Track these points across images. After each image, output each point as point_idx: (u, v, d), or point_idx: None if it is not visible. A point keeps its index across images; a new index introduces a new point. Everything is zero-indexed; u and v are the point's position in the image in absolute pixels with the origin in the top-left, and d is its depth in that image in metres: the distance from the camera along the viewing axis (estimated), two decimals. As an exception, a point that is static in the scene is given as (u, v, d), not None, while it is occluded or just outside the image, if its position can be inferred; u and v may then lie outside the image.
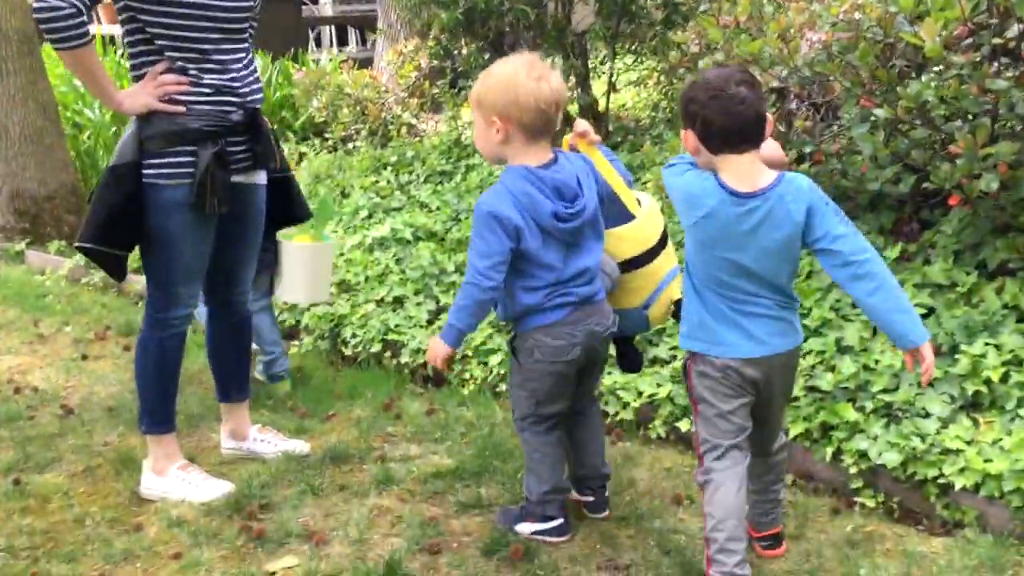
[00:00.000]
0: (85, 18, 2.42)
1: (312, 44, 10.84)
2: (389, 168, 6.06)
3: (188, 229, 2.59)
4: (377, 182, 5.86)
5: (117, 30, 6.97)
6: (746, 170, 2.01)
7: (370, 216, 5.24)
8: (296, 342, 4.15)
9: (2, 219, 5.97)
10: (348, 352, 3.90)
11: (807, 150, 3.46)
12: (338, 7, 10.88)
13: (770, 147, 2.11)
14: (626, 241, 2.37)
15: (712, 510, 2.10)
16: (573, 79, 5.72)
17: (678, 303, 2.30)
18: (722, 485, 2.10)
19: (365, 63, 9.23)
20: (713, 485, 2.11)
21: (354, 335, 3.92)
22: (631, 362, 2.61)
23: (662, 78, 6.28)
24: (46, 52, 6.21)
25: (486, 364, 3.49)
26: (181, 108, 2.53)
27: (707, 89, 1.98)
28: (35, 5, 2.37)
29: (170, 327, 2.70)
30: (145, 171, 2.53)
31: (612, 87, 6.01)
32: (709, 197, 2.01)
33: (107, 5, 2.55)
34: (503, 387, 3.37)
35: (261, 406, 3.42)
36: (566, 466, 2.52)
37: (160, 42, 2.52)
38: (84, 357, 4.07)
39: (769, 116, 2.04)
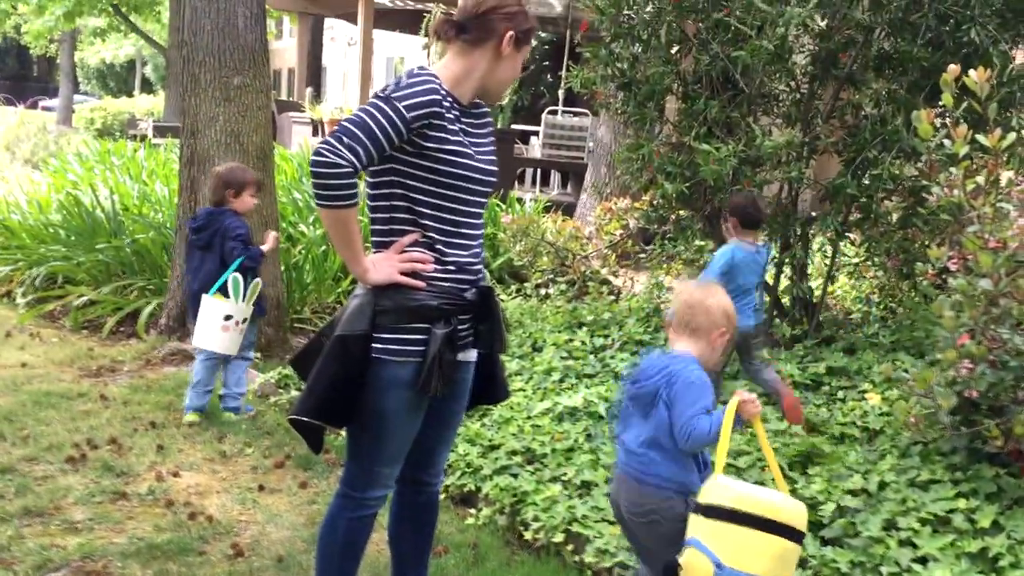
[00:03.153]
0: (357, 179, 2.34)
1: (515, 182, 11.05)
2: (584, 328, 5.88)
3: (405, 409, 2.45)
4: (571, 341, 5.68)
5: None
6: (752, 240, 4.39)
7: (562, 380, 5.04)
8: (472, 511, 3.92)
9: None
10: (528, 536, 3.63)
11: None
12: (546, 151, 11.08)
13: None
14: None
15: None
16: (789, 269, 5.42)
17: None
18: None
19: (568, 209, 9.28)
20: None
21: (536, 518, 3.64)
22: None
23: (880, 274, 5.89)
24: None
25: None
26: (422, 284, 2.43)
27: (744, 201, 4.39)
28: (314, 158, 2.29)
29: (365, 507, 2.53)
30: (375, 344, 2.42)
31: (831, 279, 5.66)
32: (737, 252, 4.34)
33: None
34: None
35: (432, 584, 3.18)
36: None
37: (420, 209, 2.43)
38: (261, 488, 3.99)
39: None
